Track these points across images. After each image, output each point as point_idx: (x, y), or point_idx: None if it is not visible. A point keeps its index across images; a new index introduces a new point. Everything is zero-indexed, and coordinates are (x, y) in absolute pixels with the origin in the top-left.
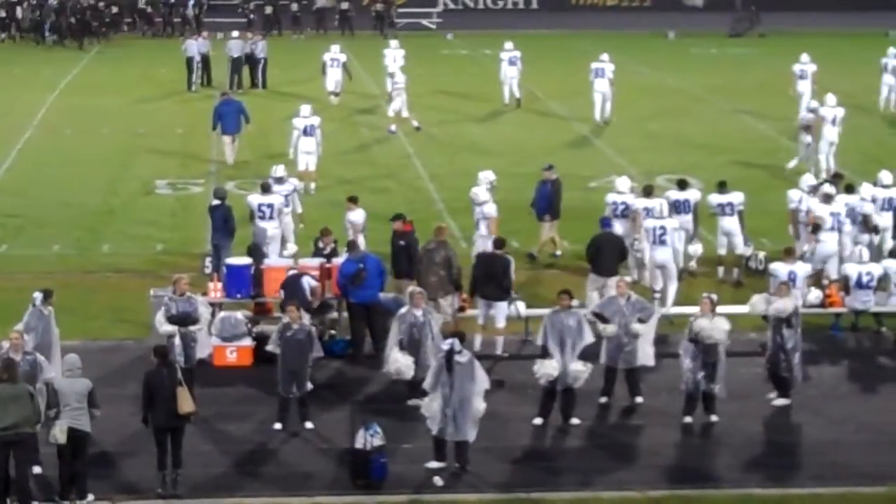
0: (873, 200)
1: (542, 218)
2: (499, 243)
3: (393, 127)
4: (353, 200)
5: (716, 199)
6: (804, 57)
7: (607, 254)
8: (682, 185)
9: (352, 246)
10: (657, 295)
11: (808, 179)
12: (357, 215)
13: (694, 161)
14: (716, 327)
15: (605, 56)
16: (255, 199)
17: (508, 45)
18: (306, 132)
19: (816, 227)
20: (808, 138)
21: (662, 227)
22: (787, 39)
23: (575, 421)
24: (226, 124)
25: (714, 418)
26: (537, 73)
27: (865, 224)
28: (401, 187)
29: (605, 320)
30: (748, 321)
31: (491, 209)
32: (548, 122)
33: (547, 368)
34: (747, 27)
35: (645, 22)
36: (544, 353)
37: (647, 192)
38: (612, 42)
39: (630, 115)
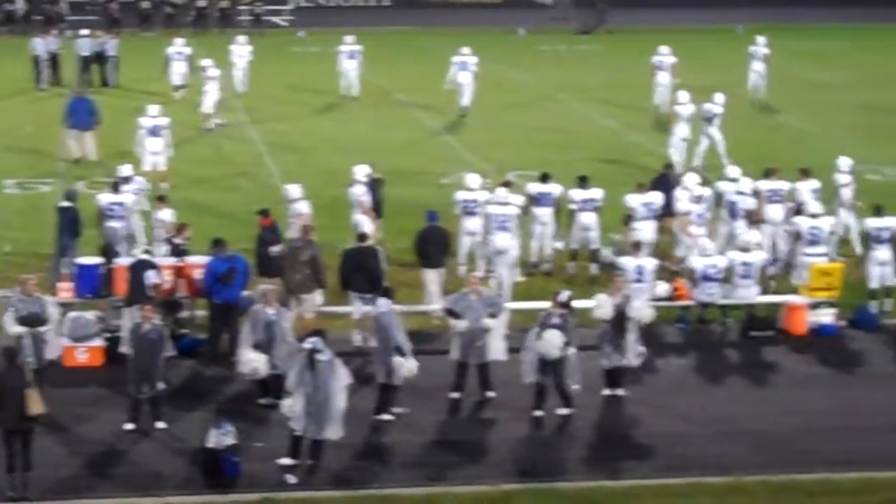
0: (757, 193)
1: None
2: (363, 236)
3: (211, 124)
4: (161, 200)
5: (578, 194)
6: (663, 49)
7: (434, 247)
8: (545, 178)
9: (219, 244)
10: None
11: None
12: (165, 214)
13: (545, 157)
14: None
15: (466, 49)
16: (106, 198)
17: (349, 38)
18: (154, 132)
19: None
20: (710, 129)
21: (504, 215)
22: (636, 36)
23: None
24: (76, 120)
25: (566, 411)
26: (390, 69)
27: (749, 218)
28: (254, 186)
29: (456, 316)
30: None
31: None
32: (401, 118)
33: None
34: (595, 24)
35: (495, 19)
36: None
37: (505, 186)
38: (464, 39)
39: (482, 111)
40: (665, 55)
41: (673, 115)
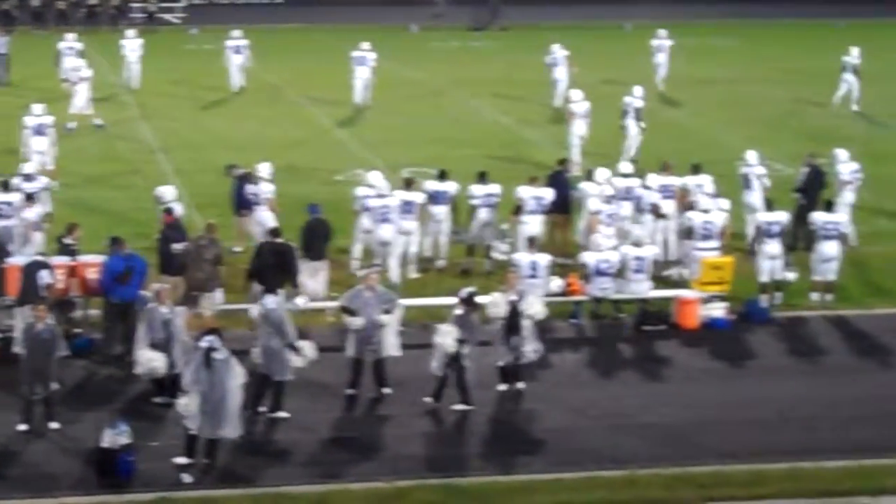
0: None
1: (239, 213)
2: (276, 231)
3: (72, 124)
4: (30, 199)
5: (478, 189)
6: (554, 47)
7: (317, 239)
8: (442, 176)
9: (117, 243)
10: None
11: (602, 174)
12: (31, 213)
13: (437, 154)
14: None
15: (365, 45)
16: None
17: (236, 33)
18: (38, 131)
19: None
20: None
21: (385, 206)
22: (529, 33)
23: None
24: None
25: (463, 406)
26: (283, 66)
27: (655, 212)
28: (146, 183)
29: (351, 313)
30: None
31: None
32: (294, 115)
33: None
34: (489, 21)
35: (388, 16)
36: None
37: (408, 184)
38: (357, 35)
39: (375, 108)
40: (557, 52)
41: (568, 113)
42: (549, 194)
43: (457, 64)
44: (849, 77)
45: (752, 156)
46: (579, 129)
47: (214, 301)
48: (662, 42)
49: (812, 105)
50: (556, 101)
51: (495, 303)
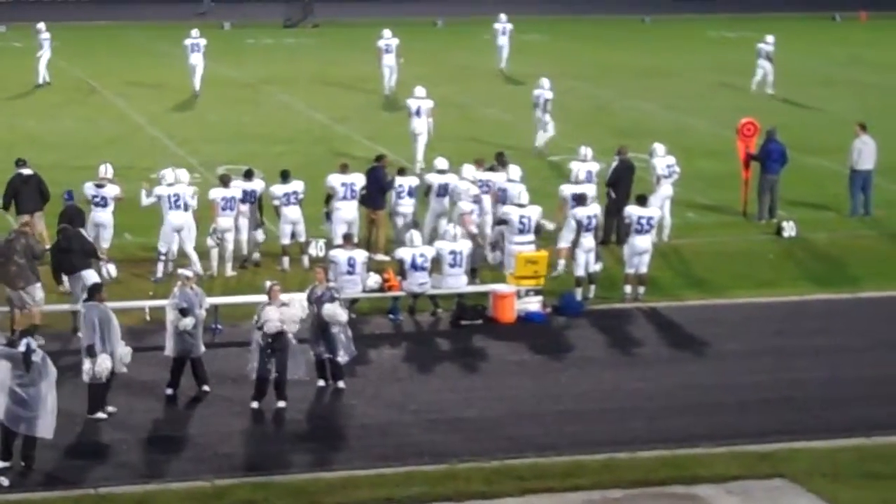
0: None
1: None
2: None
3: None
4: None
5: (280, 189)
6: (386, 32)
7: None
8: (248, 175)
9: None
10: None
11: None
12: None
13: (252, 151)
14: (285, 316)
15: (195, 32)
16: None
17: (40, 25)
18: None
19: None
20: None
21: (177, 194)
22: (342, 30)
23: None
24: None
25: (282, 404)
26: (93, 64)
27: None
28: None
29: (185, 313)
30: None
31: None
32: (107, 113)
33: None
34: (301, 18)
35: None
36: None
37: (224, 181)
38: (166, 32)
39: (188, 105)
40: (388, 38)
41: (410, 108)
42: (359, 181)
43: (270, 61)
44: (764, 63)
45: (659, 147)
46: (421, 125)
47: (35, 297)
48: (504, 26)
49: (621, 99)
50: (386, 90)
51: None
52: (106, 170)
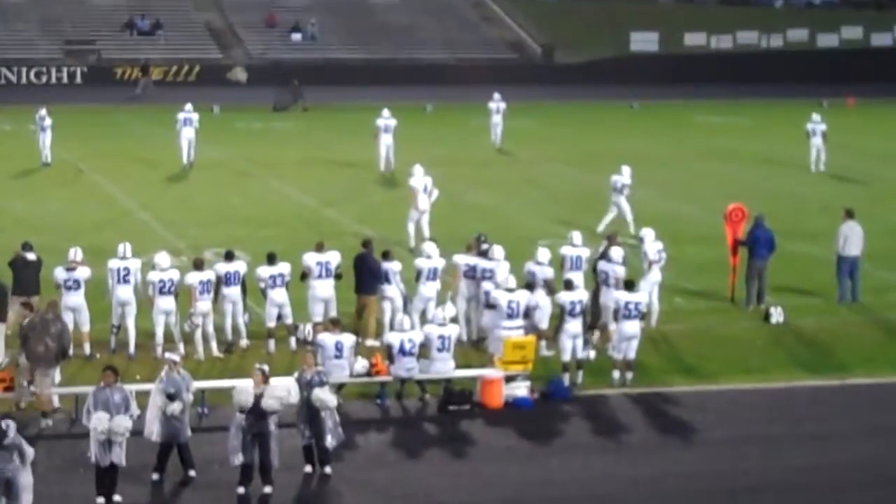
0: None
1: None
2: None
3: None
4: None
5: (266, 271)
6: (385, 112)
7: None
8: (229, 256)
9: None
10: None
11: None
12: None
13: (241, 234)
14: (271, 397)
15: (188, 106)
16: None
17: (43, 110)
18: None
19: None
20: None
21: (171, 280)
22: (332, 114)
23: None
24: None
25: (268, 489)
26: (82, 146)
27: (548, 287)
28: None
29: (173, 398)
30: None
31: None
32: (95, 196)
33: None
34: (291, 102)
35: (190, 97)
36: None
37: (198, 265)
38: (157, 116)
39: (175, 189)
40: (387, 118)
41: (411, 189)
42: (335, 259)
43: (260, 144)
44: (816, 141)
45: (575, 236)
46: (422, 204)
47: (53, 380)
48: (499, 104)
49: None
50: (382, 168)
51: (242, 390)
52: (76, 253)
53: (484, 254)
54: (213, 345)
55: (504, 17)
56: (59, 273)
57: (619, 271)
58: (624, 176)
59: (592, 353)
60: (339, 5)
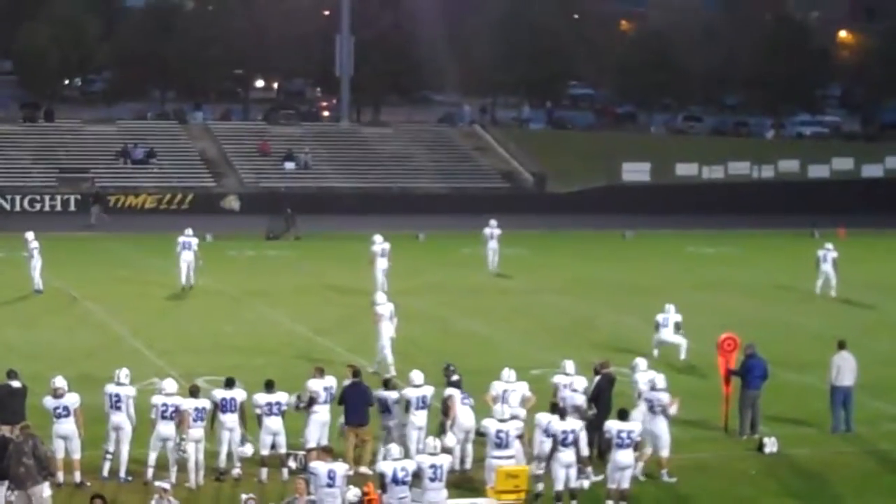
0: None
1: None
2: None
3: None
4: None
5: (263, 398)
6: (378, 238)
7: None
8: (230, 383)
9: None
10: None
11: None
12: None
13: (235, 363)
14: None
15: (189, 230)
16: None
17: (29, 234)
18: None
19: None
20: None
21: (174, 405)
22: (324, 242)
23: None
24: None
25: None
26: (74, 273)
27: (580, 413)
28: None
29: None
30: None
31: None
32: (87, 323)
33: None
34: (283, 230)
35: (182, 224)
36: None
37: (193, 392)
38: (150, 244)
39: (169, 316)
40: (381, 242)
41: (375, 315)
42: (334, 383)
43: (252, 273)
44: (826, 268)
45: (641, 362)
46: (387, 330)
47: (42, 496)
48: (493, 230)
49: (602, 314)
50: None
51: None
52: (59, 381)
53: (455, 384)
54: (201, 474)
55: (496, 147)
56: (49, 401)
57: (664, 398)
58: (672, 313)
59: (587, 483)
60: (333, 134)
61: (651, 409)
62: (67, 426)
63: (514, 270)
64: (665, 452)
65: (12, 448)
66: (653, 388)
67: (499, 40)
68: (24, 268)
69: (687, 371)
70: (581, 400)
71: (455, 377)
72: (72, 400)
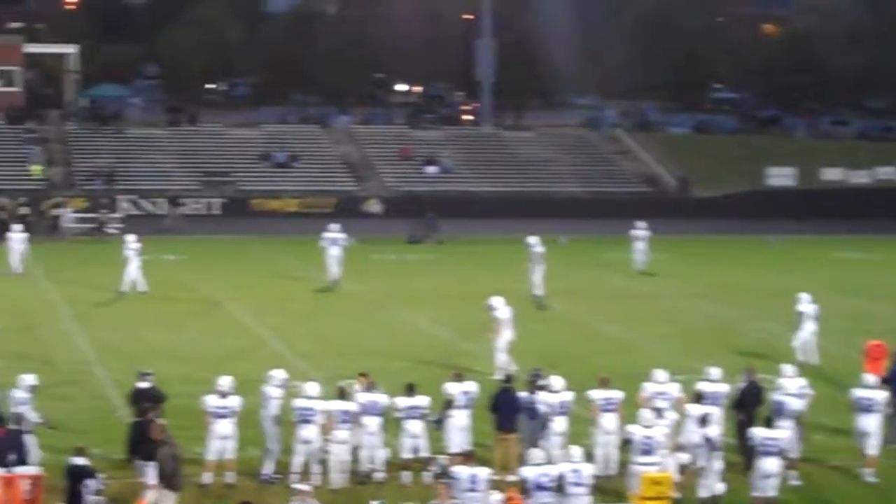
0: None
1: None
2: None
3: None
4: None
5: (404, 401)
6: (532, 239)
7: None
8: (371, 387)
9: None
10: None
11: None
12: None
13: (374, 366)
14: None
15: (334, 226)
16: None
17: (131, 237)
18: None
19: None
20: None
21: (314, 409)
22: (465, 246)
23: None
24: None
25: None
26: (218, 277)
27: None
28: (83, 395)
29: None
30: None
31: None
32: (231, 326)
33: None
34: (425, 234)
35: (324, 228)
36: None
37: (341, 394)
38: (294, 247)
39: (311, 319)
40: (535, 245)
41: (494, 320)
42: (472, 388)
43: (394, 276)
44: None
45: (714, 372)
46: (506, 335)
47: None
48: (641, 233)
49: (746, 320)
50: (537, 291)
51: None
52: (225, 381)
53: (541, 388)
54: (340, 476)
55: (639, 151)
56: (211, 401)
57: (796, 404)
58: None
59: (722, 486)
60: (474, 138)
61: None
62: (228, 427)
63: (656, 274)
64: (872, 451)
65: (167, 450)
66: (793, 394)
67: (640, 43)
68: (169, 271)
69: (831, 378)
70: (799, 405)
71: (542, 382)
72: (235, 402)
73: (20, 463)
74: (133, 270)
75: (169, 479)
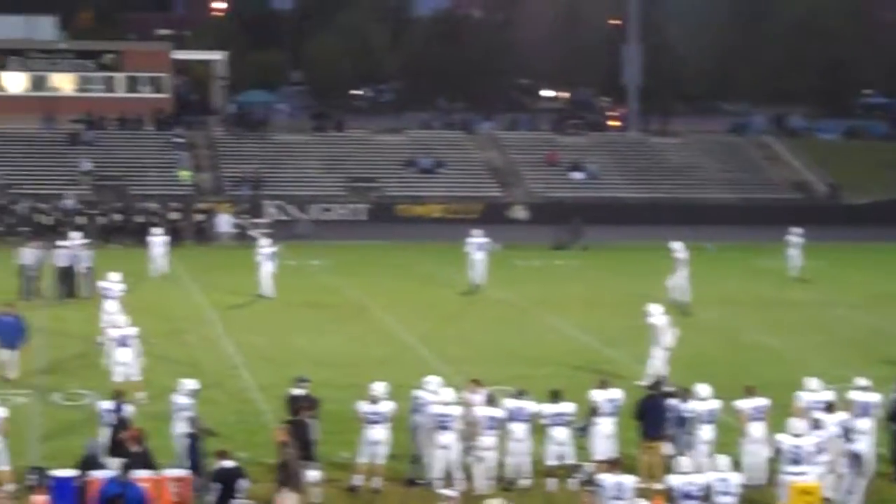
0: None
1: None
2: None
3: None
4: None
5: (549, 408)
6: (676, 245)
7: None
8: (520, 393)
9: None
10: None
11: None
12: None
13: (519, 373)
14: None
15: (477, 231)
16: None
17: (264, 242)
18: (122, 342)
19: None
20: None
21: (451, 416)
22: (611, 252)
23: None
24: (3, 339)
25: None
26: (365, 283)
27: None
28: (228, 398)
29: None
30: None
31: None
32: (376, 331)
33: None
34: (571, 240)
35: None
36: None
37: (489, 400)
38: (439, 253)
39: (457, 325)
40: (678, 250)
41: (651, 327)
42: (619, 395)
43: (540, 282)
44: None
45: (865, 381)
46: (665, 341)
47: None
48: (795, 239)
49: None
50: (683, 298)
51: None
52: (378, 387)
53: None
54: (484, 482)
55: (788, 157)
56: (363, 406)
57: None
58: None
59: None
60: (620, 144)
61: None
62: (380, 433)
63: (807, 282)
64: None
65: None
66: None
67: (790, 48)
68: (308, 275)
69: None
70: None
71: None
72: (388, 407)
73: (194, 468)
74: (265, 275)
75: (291, 480)
